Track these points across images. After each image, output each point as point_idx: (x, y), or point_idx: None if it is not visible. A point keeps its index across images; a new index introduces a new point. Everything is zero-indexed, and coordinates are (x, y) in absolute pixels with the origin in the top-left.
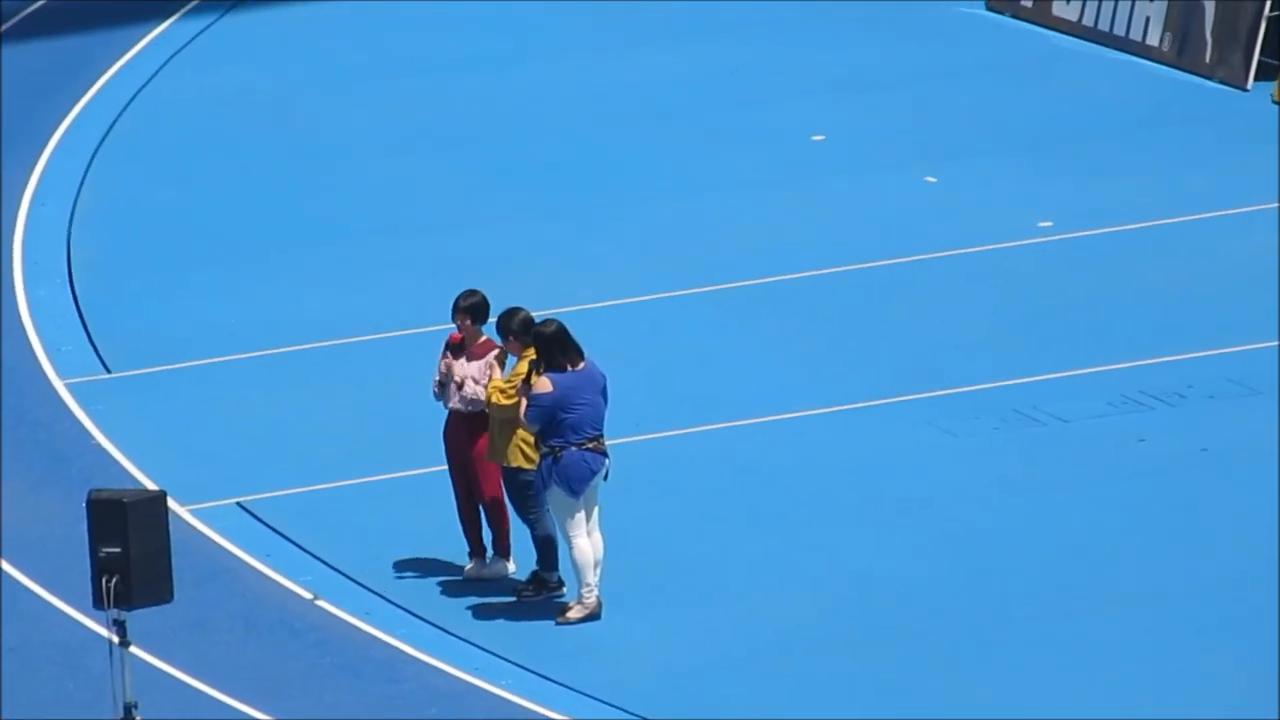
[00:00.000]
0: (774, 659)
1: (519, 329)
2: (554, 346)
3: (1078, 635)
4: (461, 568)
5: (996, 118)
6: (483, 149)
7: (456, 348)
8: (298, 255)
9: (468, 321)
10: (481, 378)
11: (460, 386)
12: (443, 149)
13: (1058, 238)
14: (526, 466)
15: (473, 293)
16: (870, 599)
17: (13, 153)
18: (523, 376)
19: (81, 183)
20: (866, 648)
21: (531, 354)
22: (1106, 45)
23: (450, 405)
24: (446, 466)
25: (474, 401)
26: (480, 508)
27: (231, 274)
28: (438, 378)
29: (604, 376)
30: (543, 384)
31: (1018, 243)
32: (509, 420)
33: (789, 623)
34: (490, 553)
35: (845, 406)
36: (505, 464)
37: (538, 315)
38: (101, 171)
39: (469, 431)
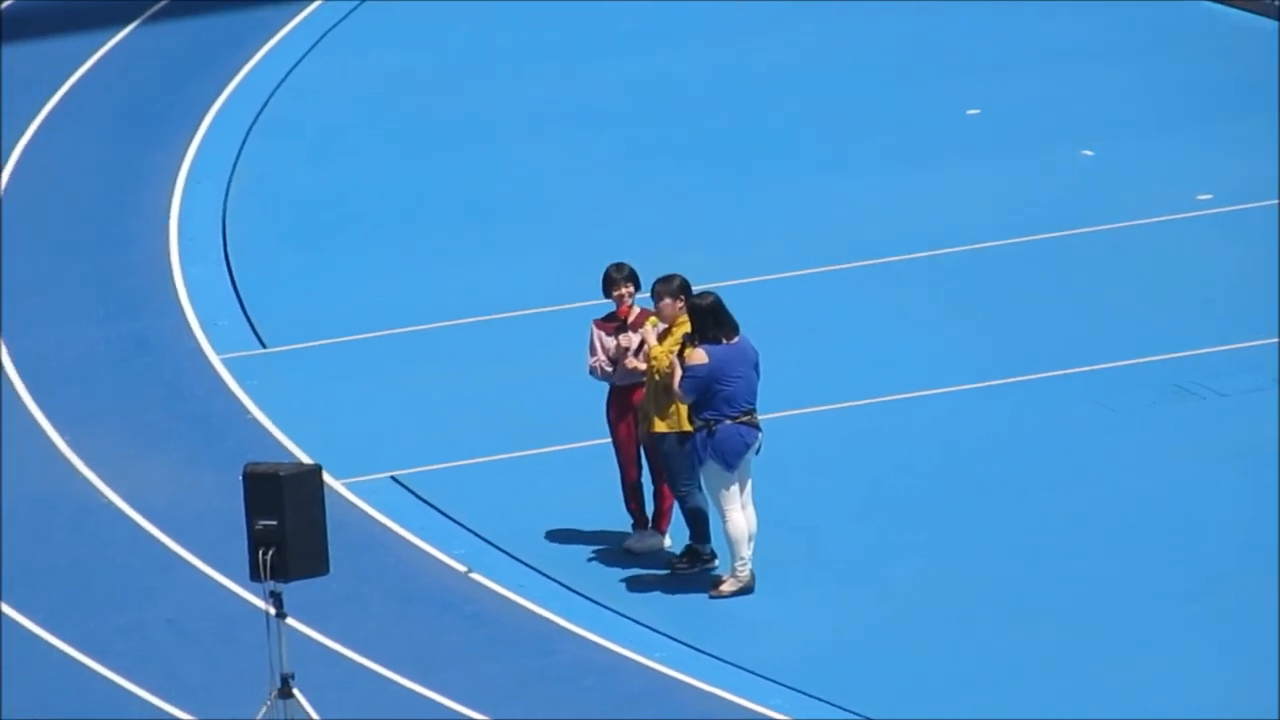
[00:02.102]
0: (929, 636)
1: (678, 290)
2: (709, 319)
3: (1239, 611)
4: (614, 540)
5: (1158, 90)
6: (633, 129)
7: (618, 321)
8: (448, 233)
9: (632, 289)
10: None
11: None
12: (589, 128)
13: (1217, 211)
14: (686, 429)
15: (623, 265)
16: (1025, 577)
17: (168, 132)
18: (677, 347)
19: (235, 162)
20: (1021, 626)
21: (685, 325)
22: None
23: (627, 376)
24: (611, 440)
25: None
26: (643, 481)
27: (383, 251)
28: (608, 354)
29: (756, 352)
30: (698, 355)
31: (1176, 216)
32: (669, 386)
33: (943, 599)
34: (649, 526)
35: (1001, 381)
36: (667, 430)
37: None
38: (254, 151)
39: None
